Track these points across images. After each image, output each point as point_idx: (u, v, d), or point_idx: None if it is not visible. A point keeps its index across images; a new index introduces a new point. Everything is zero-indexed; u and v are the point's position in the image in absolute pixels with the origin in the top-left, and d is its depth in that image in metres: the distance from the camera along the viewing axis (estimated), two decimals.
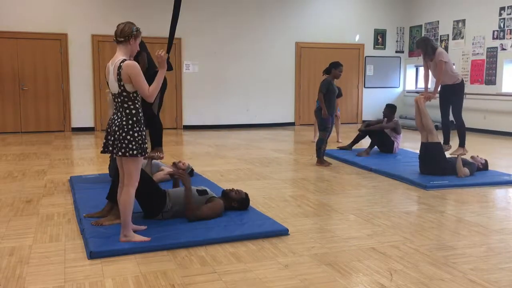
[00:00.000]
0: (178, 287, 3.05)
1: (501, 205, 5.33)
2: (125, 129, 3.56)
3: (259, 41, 12.55)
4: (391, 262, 3.47)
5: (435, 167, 6.21)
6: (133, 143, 3.56)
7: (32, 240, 3.89)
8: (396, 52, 13.93)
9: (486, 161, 6.64)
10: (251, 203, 4.76)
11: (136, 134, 3.58)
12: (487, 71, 11.32)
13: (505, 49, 10.85)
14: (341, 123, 13.40)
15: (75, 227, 4.20)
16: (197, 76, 11.78)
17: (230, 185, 5.37)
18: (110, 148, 3.65)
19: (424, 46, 6.95)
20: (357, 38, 13.50)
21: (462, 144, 7.20)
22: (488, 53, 11.24)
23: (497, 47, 11.02)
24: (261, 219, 4.34)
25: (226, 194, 4.57)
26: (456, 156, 6.48)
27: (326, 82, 7.11)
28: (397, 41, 13.88)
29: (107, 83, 3.75)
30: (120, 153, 3.57)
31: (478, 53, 11.52)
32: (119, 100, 3.61)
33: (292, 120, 13.13)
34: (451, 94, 7.08)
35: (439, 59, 6.83)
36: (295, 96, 13.08)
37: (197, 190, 4.43)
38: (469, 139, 10.27)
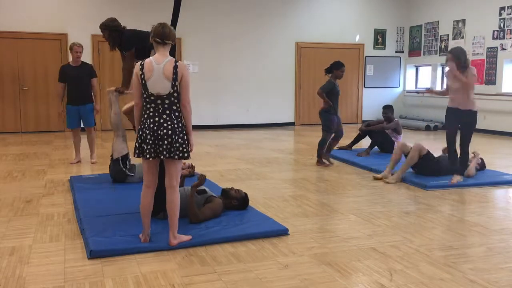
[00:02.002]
0: (178, 287, 3.05)
1: (501, 205, 5.34)
2: (177, 132, 3.54)
3: (259, 41, 12.54)
4: (391, 262, 3.47)
5: (426, 169, 6.19)
6: (184, 145, 3.57)
7: (32, 240, 3.89)
8: (396, 52, 13.92)
9: (482, 160, 6.63)
10: (251, 203, 4.77)
11: (185, 137, 3.59)
12: (487, 71, 11.31)
13: (505, 49, 10.85)
14: (342, 123, 13.47)
15: (75, 227, 4.20)
16: (197, 76, 11.77)
17: (230, 185, 5.36)
18: (164, 153, 3.53)
19: (462, 56, 5.80)
20: (357, 38, 13.50)
21: (461, 172, 6.06)
22: (488, 53, 11.24)
23: (497, 47, 11.02)
24: (261, 219, 4.34)
25: (225, 192, 4.59)
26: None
27: (331, 84, 7.08)
28: (397, 41, 13.87)
29: (143, 83, 3.53)
30: (176, 157, 3.54)
31: (478, 53, 11.52)
32: (169, 101, 3.52)
33: (292, 120, 13.13)
34: (463, 122, 5.98)
35: (472, 73, 5.83)
36: (295, 96, 13.08)
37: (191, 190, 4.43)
38: None
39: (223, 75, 12.27)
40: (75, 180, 5.86)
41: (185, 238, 3.78)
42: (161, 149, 3.53)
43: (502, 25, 10.88)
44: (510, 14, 10.71)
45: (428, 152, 6.20)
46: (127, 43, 5.55)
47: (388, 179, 6.07)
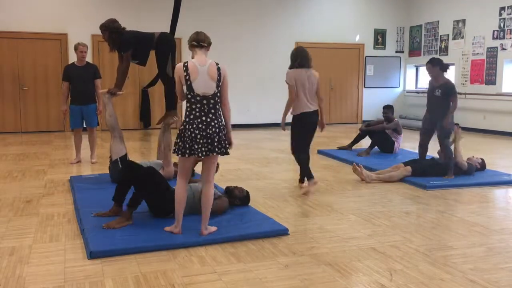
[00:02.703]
0: (178, 287, 3.05)
1: (501, 205, 5.34)
2: (222, 129, 3.81)
3: (259, 41, 12.54)
4: (391, 262, 3.47)
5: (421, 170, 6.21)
6: (225, 142, 3.84)
7: (32, 240, 3.89)
8: (396, 52, 13.92)
9: (482, 160, 6.64)
10: (251, 203, 4.78)
11: (225, 135, 3.85)
12: (487, 71, 11.32)
13: (505, 49, 10.85)
14: (341, 123, 13.52)
15: (75, 227, 4.20)
16: None
17: (230, 185, 5.36)
18: (216, 150, 3.76)
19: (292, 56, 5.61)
20: (357, 38, 13.50)
21: (306, 178, 5.65)
22: (488, 53, 11.24)
23: (497, 47, 11.02)
24: (261, 219, 4.34)
25: (230, 191, 4.69)
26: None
27: None
28: (397, 41, 13.87)
29: (188, 84, 3.71)
30: (227, 151, 3.84)
31: (478, 53, 11.52)
32: (213, 101, 3.75)
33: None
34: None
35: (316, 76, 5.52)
36: None
37: None
38: (469, 139, 10.29)
39: None
40: (75, 180, 5.86)
41: (213, 229, 3.97)
42: (211, 147, 3.74)
43: (502, 25, 10.88)
44: (510, 14, 10.71)
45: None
46: (125, 44, 5.56)
47: (363, 175, 6.11)
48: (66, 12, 11.04)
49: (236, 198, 4.66)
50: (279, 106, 12.68)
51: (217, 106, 3.79)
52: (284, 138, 10.86)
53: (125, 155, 5.70)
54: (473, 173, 6.35)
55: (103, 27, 5.59)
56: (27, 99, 11.04)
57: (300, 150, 5.61)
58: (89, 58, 11.11)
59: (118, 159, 5.64)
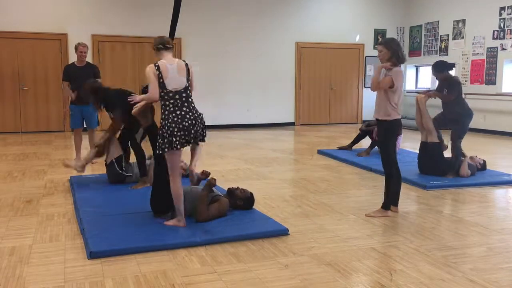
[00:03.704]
0: (178, 287, 3.05)
1: (501, 205, 5.34)
2: (198, 120, 4.01)
3: (259, 41, 12.54)
4: (391, 262, 3.47)
5: (434, 167, 6.22)
6: (202, 131, 4.11)
7: (32, 240, 3.89)
8: None
9: (484, 161, 6.64)
10: None
11: (202, 124, 4.11)
12: (487, 71, 11.31)
13: (505, 49, 10.84)
14: (341, 123, 13.52)
15: (75, 227, 4.20)
16: (197, 76, 11.72)
17: (230, 185, 5.36)
18: (192, 141, 4.03)
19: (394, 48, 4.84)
20: (357, 38, 13.50)
21: (394, 203, 4.68)
22: (488, 53, 11.24)
23: (497, 47, 11.02)
24: (261, 219, 4.34)
25: (231, 192, 4.62)
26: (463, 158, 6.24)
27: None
28: None
29: (161, 81, 3.92)
30: (201, 139, 4.12)
31: (478, 53, 11.52)
32: (185, 94, 4.00)
33: (292, 120, 13.13)
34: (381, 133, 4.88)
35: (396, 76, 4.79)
36: (295, 96, 13.07)
37: (202, 189, 4.43)
38: (469, 139, 10.28)
39: (223, 75, 12.27)
40: (75, 180, 5.86)
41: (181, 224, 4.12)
42: (188, 138, 3.94)
43: (502, 25, 10.88)
44: (510, 14, 10.71)
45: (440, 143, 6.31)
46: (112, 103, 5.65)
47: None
48: (66, 12, 11.03)
49: (239, 199, 4.56)
50: (279, 106, 12.84)
51: (190, 99, 4.01)
52: (284, 138, 10.88)
53: (120, 156, 5.69)
54: (474, 173, 6.34)
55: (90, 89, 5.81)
56: (27, 99, 11.03)
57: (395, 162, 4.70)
58: (89, 58, 11.10)
59: (114, 160, 5.65)
